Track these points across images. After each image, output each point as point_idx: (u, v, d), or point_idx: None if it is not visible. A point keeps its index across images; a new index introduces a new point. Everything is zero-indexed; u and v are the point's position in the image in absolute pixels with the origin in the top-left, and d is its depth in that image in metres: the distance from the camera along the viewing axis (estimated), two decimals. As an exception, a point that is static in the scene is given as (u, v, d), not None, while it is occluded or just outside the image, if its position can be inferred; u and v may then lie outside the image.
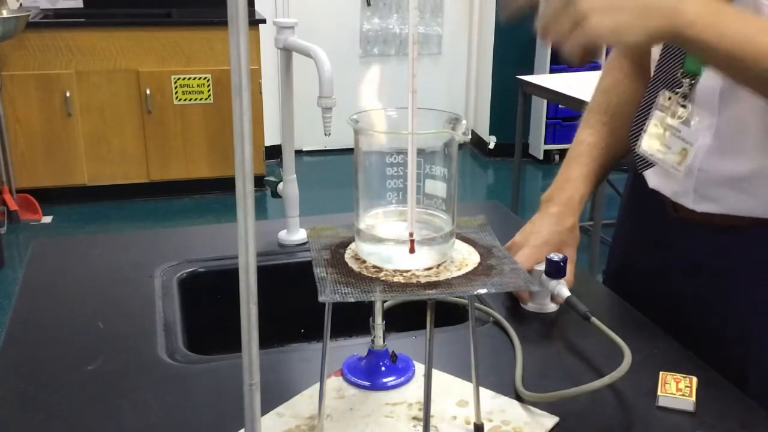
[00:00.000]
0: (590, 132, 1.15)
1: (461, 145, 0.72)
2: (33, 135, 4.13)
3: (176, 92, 4.23)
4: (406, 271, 0.70)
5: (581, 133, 1.16)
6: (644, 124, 1.02)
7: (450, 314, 1.08)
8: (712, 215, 0.98)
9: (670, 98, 0.97)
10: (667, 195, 1.02)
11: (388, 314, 0.88)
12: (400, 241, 0.71)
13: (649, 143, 1.01)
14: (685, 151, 0.96)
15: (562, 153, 4.78)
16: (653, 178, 1.05)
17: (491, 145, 5.23)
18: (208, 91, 4.27)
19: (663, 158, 0.99)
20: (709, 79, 0.93)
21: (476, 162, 5.29)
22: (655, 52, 1.02)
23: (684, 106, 0.96)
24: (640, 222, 1.14)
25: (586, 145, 1.14)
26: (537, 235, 1.07)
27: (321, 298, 0.67)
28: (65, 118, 4.13)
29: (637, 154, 1.04)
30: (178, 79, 4.21)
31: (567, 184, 1.11)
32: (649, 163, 1.03)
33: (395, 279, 0.69)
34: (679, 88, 0.96)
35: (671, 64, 0.98)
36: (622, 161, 1.17)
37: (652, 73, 1.03)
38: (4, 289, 3.32)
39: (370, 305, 0.83)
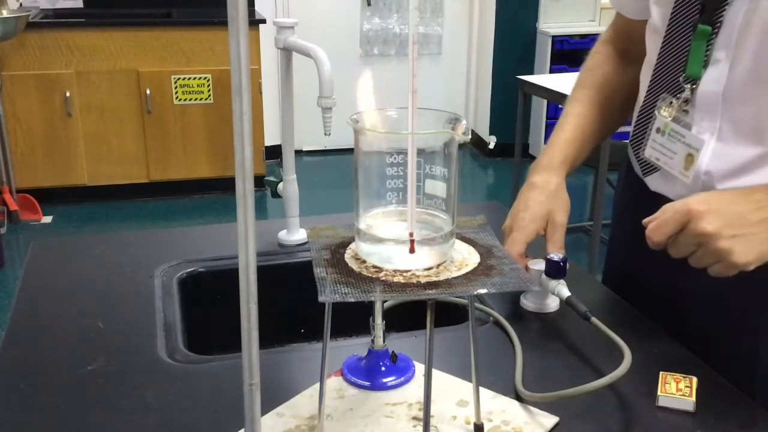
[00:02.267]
0: (575, 104, 1.17)
1: (461, 145, 0.72)
2: (33, 135, 4.13)
3: (176, 92, 4.23)
4: (406, 271, 0.70)
5: (567, 106, 1.19)
6: (646, 129, 1.01)
7: (450, 314, 1.07)
8: None
9: (671, 103, 0.97)
10: (671, 197, 1.01)
11: (388, 314, 0.88)
12: (400, 241, 0.71)
13: (653, 149, 1.00)
14: (691, 156, 0.95)
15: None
16: (654, 182, 1.04)
17: (491, 145, 5.23)
18: (208, 91, 4.27)
19: (668, 164, 0.98)
20: (710, 83, 0.92)
21: (476, 162, 5.29)
22: (652, 55, 1.01)
23: (686, 111, 0.95)
24: (637, 222, 1.14)
25: (570, 115, 1.16)
26: (523, 214, 1.07)
27: (321, 298, 0.67)
28: (65, 118, 4.13)
29: (641, 160, 1.03)
30: (178, 79, 4.22)
31: (550, 148, 1.13)
32: (653, 168, 1.02)
33: (395, 279, 0.69)
34: (680, 92, 0.95)
35: (672, 68, 0.97)
36: (614, 160, 1.18)
37: (648, 74, 1.02)
38: (4, 289, 3.32)
39: (370, 305, 0.83)
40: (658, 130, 0.99)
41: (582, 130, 1.14)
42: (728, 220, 0.82)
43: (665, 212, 0.86)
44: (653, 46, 1.02)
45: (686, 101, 0.95)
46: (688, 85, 0.94)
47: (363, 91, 0.73)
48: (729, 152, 0.93)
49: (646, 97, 1.02)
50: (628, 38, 1.16)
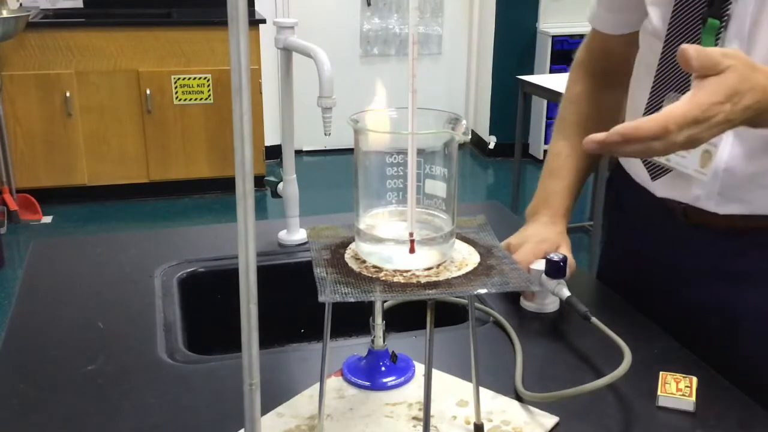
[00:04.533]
0: (564, 144, 1.17)
1: (461, 145, 0.72)
2: (33, 135, 4.13)
3: (176, 92, 4.23)
4: (406, 271, 0.70)
5: (556, 144, 1.18)
6: None
7: (450, 314, 1.08)
8: (734, 217, 0.95)
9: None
10: (683, 201, 0.99)
11: (388, 314, 0.88)
12: (400, 241, 0.71)
13: None
14: (708, 153, 0.92)
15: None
16: (662, 188, 1.02)
17: (491, 145, 5.23)
18: (208, 91, 4.27)
19: (682, 163, 0.95)
20: None
21: (476, 162, 5.29)
22: (652, 59, 1.00)
23: None
24: (638, 230, 1.12)
25: (563, 157, 1.16)
26: (534, 234, 1.09)
27: (321, 298, 0.67)
28: (65, 118, 4.13)
29: (649, 163, 1.01)
30: (178, 79, 4.21)
31: (551, 197, 1.15)
32: (663, 171, 1.00)
33: (395, 279, 0.69)
34: (689, 89, 0.94)
35: (678, 66, 0.95)
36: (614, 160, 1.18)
37: (647, 78, 1.00)
38: (4, 289, 3.32)
39: (370, 305, 0.83)
40: None
41: (577, 173, 1.16)
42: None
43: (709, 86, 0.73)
44: (649, 48, 1.01)
45: None
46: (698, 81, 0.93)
47: (377, 92, 0.73)
48: (747, 146, 0.92)
49: (650, 99, 1.00)
50: (605, 57, 1.15)
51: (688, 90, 0.93)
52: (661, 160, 0.99)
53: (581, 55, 1.21)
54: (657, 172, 1.02)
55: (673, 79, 0.97)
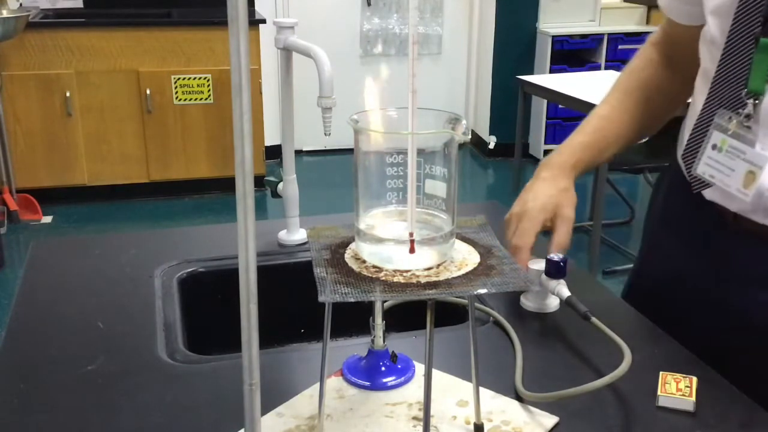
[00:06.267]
0: (604, 106, 1.16)
1: (461, 145, 0.72)
2: (33, 135, 4.13)
3: (176, 92, 4.23)
4: (406, 271, 0.70)
5: (599, 106, 1.17)
6: (700, 145, 0.96)
7: (450, 314, 1.08)
8: None
9: (730, 118, 0.91)
10: (731, 209, 0.95)
11: (388, 314, 0.88)
12: (400, 241, 0.71)
13: (708, 165, 0.95)
14: (752, 174, 0.89)
15: (562, 153, 4.63)
16: (709, 194, 0.98)
17: (491, 145, 5.23)
18: (208, 91, 4.27)
19: (725, 181, 0.92)
20: None
21: (476, 162, 5.29)
22: (710, 68, 0.96)
23: (748, 127, 0.90)
24: (686, 230, 1.07)
25: (596, 117, 1.15)
26: (532, 203, 1.07)
27: (321, 298, 0.67)
28: (65, 118, 4.13)
29: (694, 176, 0.97)
30: (178, 79, 4.21)
31: (565, 149, 1.13)
32: (705, 184, 0.96)
33: (395, 279, 0.69)
34: (741, 108, 0.90)
35: (731, 83, 0.91)
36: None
37: (704, 87, 0.97)
38: (4, 289, 3.32)
39: (370, 305, 0.83)
40: (714, 147, 0.93)
41: (603, 134, 1.13)
42: None
43: None
44: (709, 57, 0.97)
45: (748, 117, 0.89)
46: (751, 101, 0.89)
47: (368, 91, 0.73)
48: None
49: (702, 111, 0.97)
50: (674, 43, 1.12)
51: (741, 108, 0.89)
52: (705, 176, 0.95)
53: (656, 34, 1.18)
54: (698, 184, 0.98)
55: (725, 95, 0.93)
